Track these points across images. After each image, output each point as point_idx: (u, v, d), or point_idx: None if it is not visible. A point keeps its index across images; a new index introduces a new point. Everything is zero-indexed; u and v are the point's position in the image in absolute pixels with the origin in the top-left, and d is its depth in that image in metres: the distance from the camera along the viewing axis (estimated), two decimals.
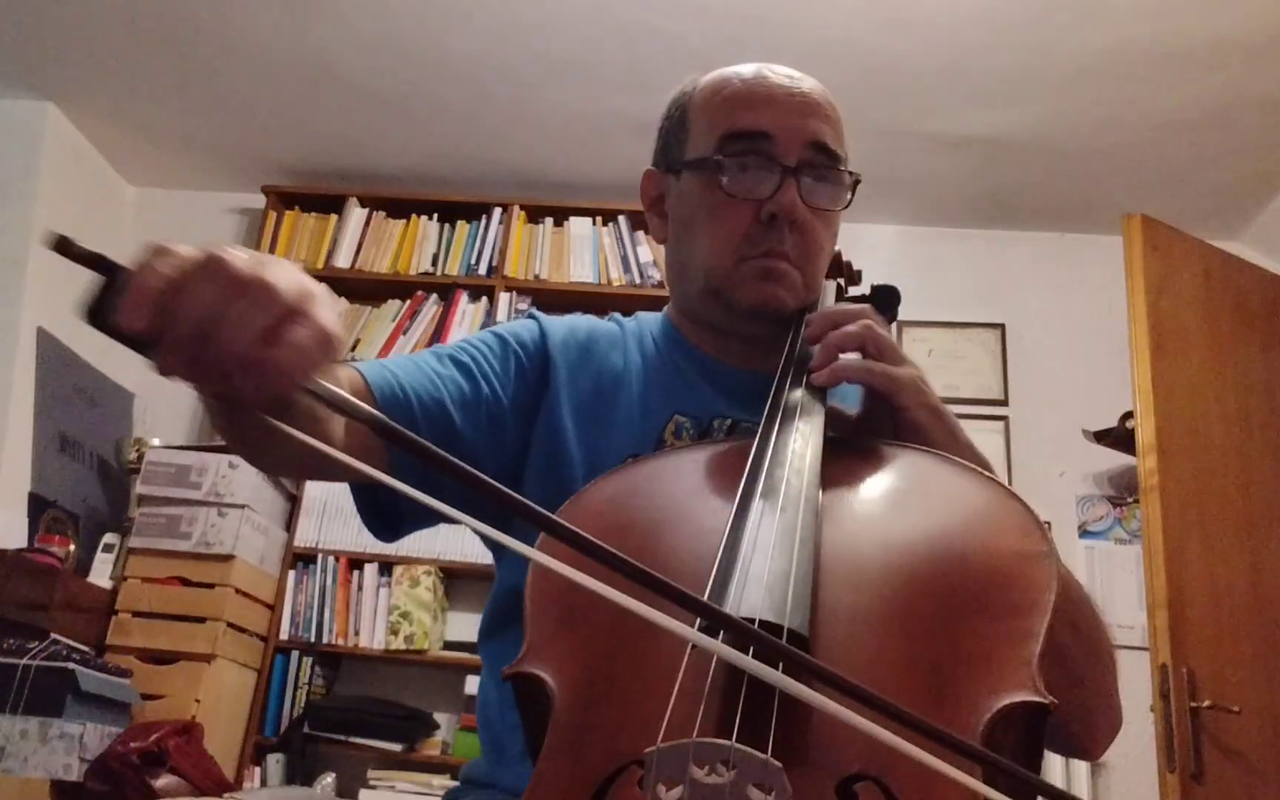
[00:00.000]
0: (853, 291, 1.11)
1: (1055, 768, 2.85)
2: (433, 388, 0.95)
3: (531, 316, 1.08)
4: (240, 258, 0.56)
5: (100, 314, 0.55)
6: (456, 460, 0.56)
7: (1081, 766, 2.89)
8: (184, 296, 0.54)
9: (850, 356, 0.88)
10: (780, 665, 0.55)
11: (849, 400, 0.94)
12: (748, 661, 0.53)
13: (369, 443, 0.81)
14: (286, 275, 0.58)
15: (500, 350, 1.02)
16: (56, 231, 0.54)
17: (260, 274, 0.56)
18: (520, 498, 0.55)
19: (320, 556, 3.19)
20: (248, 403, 0.59)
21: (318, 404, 0.59)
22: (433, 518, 1.00)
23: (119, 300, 0.54)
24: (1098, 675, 0.85)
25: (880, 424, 0.89)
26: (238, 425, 0.74)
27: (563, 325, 1.07)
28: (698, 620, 0.59)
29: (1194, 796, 2.29)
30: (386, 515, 0.97)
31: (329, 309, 0.60)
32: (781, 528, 0.70)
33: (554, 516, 0.56)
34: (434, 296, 3.53)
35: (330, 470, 0.89)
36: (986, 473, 0.78)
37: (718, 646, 0.55)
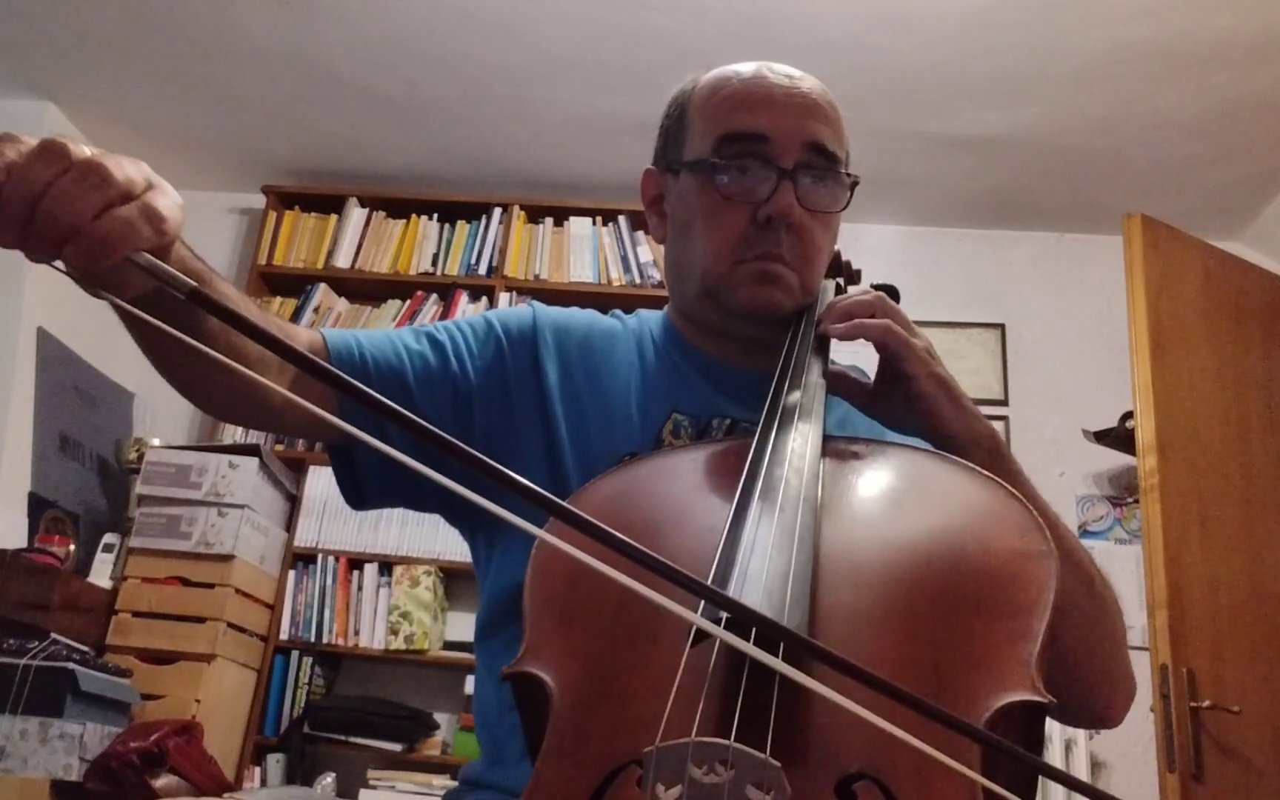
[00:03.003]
0: (852, 290, 1.11)
1: (1055, 766, 2.85)
2: (395, 359, 0.96)
3: (533, 307, 1.08)
4: (80, 146, 0.61)
5: None
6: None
7: (1082, 766, 2.89)
8: (18, 174, 0.59)
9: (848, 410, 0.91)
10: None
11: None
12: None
13: (326, 399, 0.84)
14: (127, 164, 0.62)
15: (483, 332, 1.02)
16: None
17: (95, 157, 0.61)
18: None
19: (320, 556, 3.19)
20: (81, 275, 0.62)
21: (155, 282, 0.61)
22: (404, 495, 1.01)
23: None
24: (1114, 639, 0.87)
25: (889, 395, 0.90)
26: (152, 342, 0.78)
27: (559, 316, 1.07)
28: (700, 606, 0.59)
29: (1194, 796, 2.29)
30: (362, 481, 0.98)
31: (168, 197, 0.64)
32: (780, 527, 0.69)
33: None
34: (434, 296, 3.53)
35: (265, 410, 0.91)
36: (985, 473, 0.78)
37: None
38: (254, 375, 0.62)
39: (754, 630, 0.56)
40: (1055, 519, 0.84)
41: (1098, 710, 0.89)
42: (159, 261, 0.61)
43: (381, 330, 1.00)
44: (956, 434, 0.86)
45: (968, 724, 0.53)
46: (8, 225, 0.60)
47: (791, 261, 0.97)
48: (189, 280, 0.58)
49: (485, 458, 0.50)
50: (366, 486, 0.98)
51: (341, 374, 0.54)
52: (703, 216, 0.99)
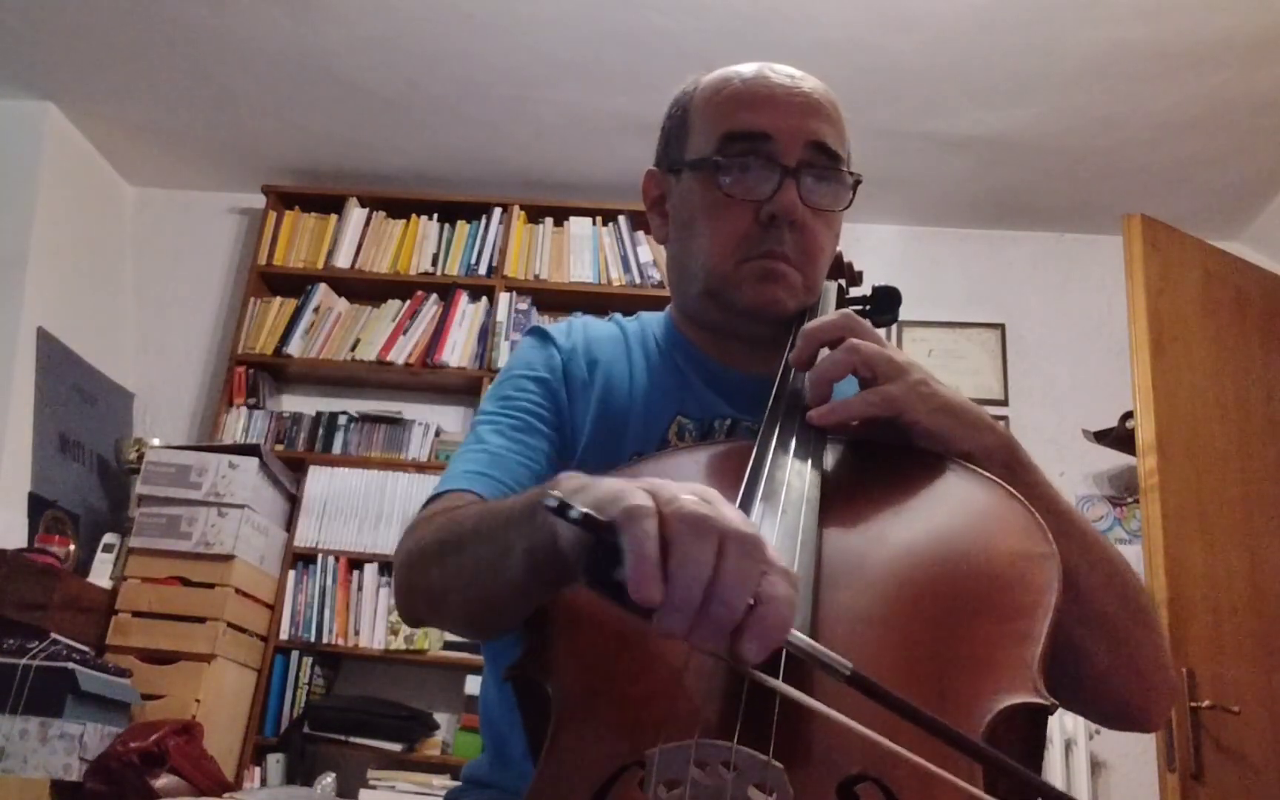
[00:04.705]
0: (853, 292, 1.11)
1: (1055, 767, 2.85)
2: (527, 474, 0.94)
3: (542, 335, 1.07)
4: (727, 510, 0.55)
5: (597, 574, 0.55)
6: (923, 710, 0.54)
7: (1082, 766, 2.89)
8: (683, 560, 0.52)
9: (847, 391, 0.85)
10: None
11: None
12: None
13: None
14: (741, 516, 0.56)
15: (545, 394, 1.02)
16: (558, 495, 0.55)
17: (746, 529, 0.54)
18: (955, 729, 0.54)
19: (320, 556, 3.19)
20: (737, 662, 0.55)
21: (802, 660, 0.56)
22: None
23: (622, 570, 0.53)
24: (1148, 639, 0.85)
25: (893, 436, 0.87)
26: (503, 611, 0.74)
27: (569, 338, 1.06)
28: None
29: (1194, 796, 2.29)
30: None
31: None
32: (783, 529, 0.70)
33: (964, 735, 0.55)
34: (434, 296, 3.53)
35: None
36: (986, 475, 0.78)
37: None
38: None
39: None
40: (1085, 526, 0.83)
41: (1135, 716, 0.88)
42: (814, 641, 0.55)
43: (475, 448, 0.97)
44: (971, 453, 0.81)
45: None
46: (680, 615, 0.53)
47: (795, 260, 0.97)
48: (846, 661, 0.54)
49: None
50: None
51: (979, 743, 0.55)
52: (706, 215, 0.99)
